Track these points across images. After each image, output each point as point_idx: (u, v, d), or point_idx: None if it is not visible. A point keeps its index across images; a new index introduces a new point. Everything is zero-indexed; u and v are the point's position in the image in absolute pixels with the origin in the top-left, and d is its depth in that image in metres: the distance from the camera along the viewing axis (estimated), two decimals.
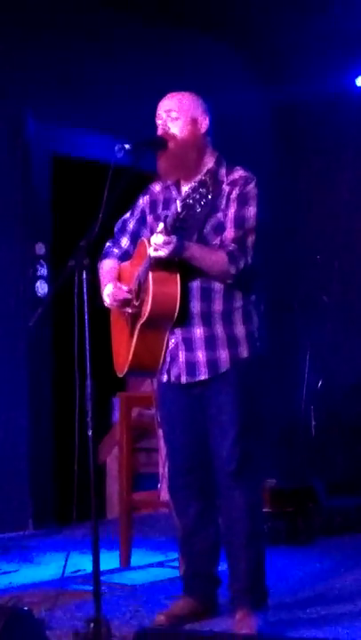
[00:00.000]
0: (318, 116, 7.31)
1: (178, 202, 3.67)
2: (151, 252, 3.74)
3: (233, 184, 3.89)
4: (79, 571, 4.75)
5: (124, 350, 3.94)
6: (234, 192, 3.87)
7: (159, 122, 3.96)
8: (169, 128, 3.92)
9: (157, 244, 3.70)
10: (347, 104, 7.02)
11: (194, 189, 3.59)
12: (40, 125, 6.14)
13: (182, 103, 3.94)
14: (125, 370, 3.94)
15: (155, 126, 4.00)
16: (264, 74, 7.25)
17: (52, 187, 6.29)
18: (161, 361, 3.91)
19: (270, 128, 7.52)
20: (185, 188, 3.89)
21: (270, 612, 3.95)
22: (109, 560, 4.96)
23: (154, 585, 4.64)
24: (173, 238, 3.70)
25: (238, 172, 3.92)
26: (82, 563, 4.70)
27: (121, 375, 4.02)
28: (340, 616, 4.04)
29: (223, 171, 3.93)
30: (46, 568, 5.01)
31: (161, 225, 3.74)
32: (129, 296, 3.94)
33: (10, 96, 6.04)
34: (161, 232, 3.71)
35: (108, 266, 4.11)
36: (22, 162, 6.10)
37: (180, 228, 3.73)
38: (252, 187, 3.88)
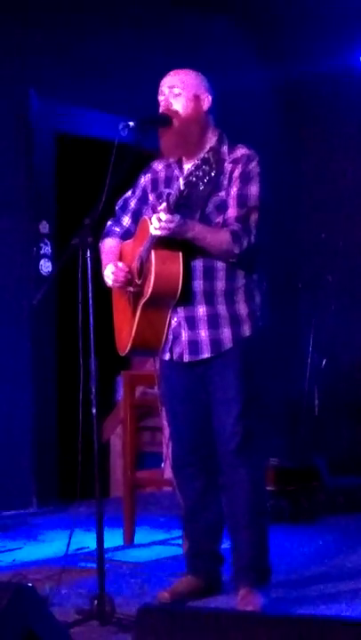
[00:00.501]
0: (322, 93, 7.27)
1: (181, 180, 3.65)
2: (153, 231, 3.72)
3: (235, 162, 3.87)
4: (83, 548, 4.76)
5: (126, 329, 3.93)
6: (236, 170, 3.85)
7: (161, 98, 3.93)
8: (171, 104, 3.90)
9: (160, 222, 3.68)
10: (350, 82, 6.98)
11: (197, 167, 3.57)
12: (43, 104, 6.12)
13: (185, 80, 3.92)
14: (128, 349, 3.93)
15: (158, 104, 3.98)
16: (267, 51, 7.21)
17: (55, 165, 6.27)
18: (163, 339, 3.91)
19: (273, 106, 7.49)
20: (187, 166, 3.87)
21: (273, 590, 3.96)
22: (113, 538, 4.98)
23: (157, 562, 4.66)
24: (176, 217, 3.69)
25: (241, 150, 3.89)
26: (86, 540, 4.72)
27: (123, 354, 4.01)
28: (343, 594, 4.06)
29: (225, 148, 3.91)
30: (50, 545, 5.03)
31: (164, 204, 3.73)
32: (129, 276, 3.93)
33: (13, 75, 6.02)
34: (163, 210, 3.70)
35: (108, 245, 4.10)
36: (26, 140, 6.09)
37: (183, 206, 3.72)
38: (254, 165, 3.86)
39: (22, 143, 6.08)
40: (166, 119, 3.89)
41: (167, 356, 3.94)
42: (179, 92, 3.90)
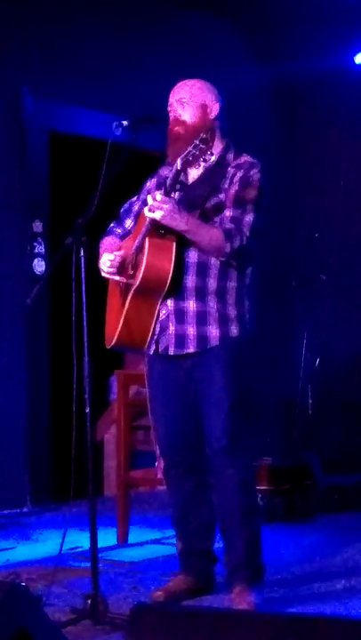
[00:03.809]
0: (317, 93, 7.29)
1: (178, 160, 3.69)
2: (147, 213, 3.74)
3: (238, 167, 3.92)
4: (77, 548, 4.76)
5: (115, 321, 3.94)
6: (238, 174, 3.90)
7: (170, 109, 3.97)
8: (180, 115, 3.95)
9: (154, 203, 3.70)
10: (344, 81, 6.99)
11: (194, 146, 3.64)
12: (37, 103, 6.12)
13: (192, 89, 3.98)
14: (114, 340, 3.92)
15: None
16: (262, 51, 7.21)
17: (49, 164, 6.27)
18: (150, 332, 3.91)
19: (269, 105, 7.50)
20: (193, 172, 3.93)
21: (267, 588, 3.97)
22: (107, 537, 4.98)
23: (151, 562, 4.66)
24: (171, 200, 3.72)
25: (244, 158, 3.96)
26: (79, 540, 4.71)
27: (109, 346, 4.00)
28: (337, 592, 4.07)
29: (231, 156, 3.97)
30: (44, 545, 5.03)
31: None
32: (123, 261, 3.93)
33: (7, 73, 6.01)
34: (160, 192, 3.73)
35: (107, 242, 4.12)
36: (20, 139, 6.08)
37: (184, 203, 3.73)
38: (255, 171, 3.91)
39: (16, 142, 6.07)
40: (159, 118, 3.91)
41: (152, 350, 3.95)
42: (186, 102, 3.95)
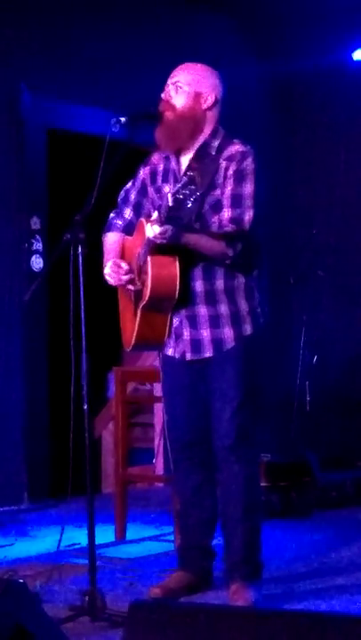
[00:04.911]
0: (315, 89, 7.28)
1: (169, 196, 3.62)
2: (148, 235, 3.71)
3: (230, 159, 3.84)
4: (74, 544, 4.76)
5: (130, 327, 3.95)
6: (230, 168, 3.83)
7: (164, 90, 3.94)
8: (171, 98, 3.91)
9: (154, 233, 3.67)
10: (343, 78, 6.99)
11: (183, 185, 3.55)
12: (35, 99, 6.11)
13: (190, 75, 3.92)
14: (131, 346, 3.97)
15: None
16: (262, 47, 7.21)
17: (47, 161, 6.26)
18: (166, 337, 3.92)
19: (267, 101, 7.49)
20: (185, 159, 3.90)
21: (265, 585, 3.97)
22: (105, 534, 4.97)
23: (149, 558, 4.66)
24: (169, 228, 3.67)
25: (235, 147, 3.87)
26: (77, 536, 4.71)
27: (128, 349, 4.04)
28: (335, 589, 4.06)
29: (216, 143, 3.89)
30: (42, 542, 5.03)
31: (155, 214, 3.72)
32: (131, 276, 3.92)
33: (5, 69, 6.00)
34: (156, 222, 3.68)
35: (111, 240, 4.08)
36: (17, 135, 6.07)
37: (175, 218, 3.71)
38: (249, 162, 3.83)
39: (14, 138, 6.06)
40: (158, 115, 3.89)
41: (170, 352, 3.95)
42: (181, 87, 3.90)
